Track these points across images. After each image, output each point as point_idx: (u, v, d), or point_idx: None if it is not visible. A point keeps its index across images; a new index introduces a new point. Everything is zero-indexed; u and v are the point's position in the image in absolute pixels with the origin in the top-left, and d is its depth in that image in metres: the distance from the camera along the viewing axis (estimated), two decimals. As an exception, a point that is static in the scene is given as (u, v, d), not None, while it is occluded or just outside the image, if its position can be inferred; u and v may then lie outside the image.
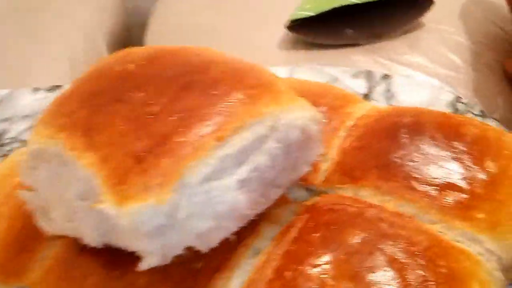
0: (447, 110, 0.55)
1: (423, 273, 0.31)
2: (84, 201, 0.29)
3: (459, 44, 0.99)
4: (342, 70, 0.64)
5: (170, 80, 0.30)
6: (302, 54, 0.98)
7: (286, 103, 0.33)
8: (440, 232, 0.34)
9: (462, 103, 0.56)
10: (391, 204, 0.36)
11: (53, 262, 0.36)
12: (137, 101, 0.29)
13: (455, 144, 0.38)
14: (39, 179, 0.32)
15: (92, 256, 0.34)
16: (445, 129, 0.40)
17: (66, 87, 0.63)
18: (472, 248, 0.34)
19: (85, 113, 0.29)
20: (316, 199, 0.37)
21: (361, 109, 0.45)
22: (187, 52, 0.32)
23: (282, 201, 0.37)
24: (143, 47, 0.36)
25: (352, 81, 0.64)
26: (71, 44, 1.06)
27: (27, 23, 1.10)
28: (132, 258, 0.32)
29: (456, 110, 0.55)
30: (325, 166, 0.41)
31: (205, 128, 0.29)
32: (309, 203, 0.37)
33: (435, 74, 0.87)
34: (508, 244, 0.35)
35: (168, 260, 0.29)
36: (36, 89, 0.70)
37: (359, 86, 0.60)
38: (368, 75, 0.64)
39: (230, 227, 0.30)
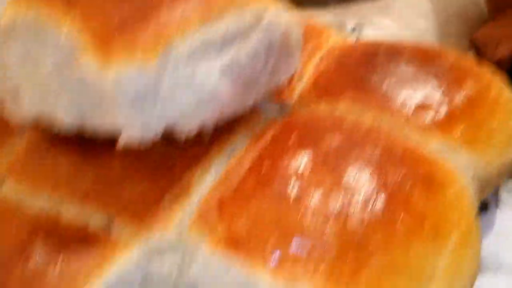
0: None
1: (401, 175, 0.31)
2: (61, 72, 0.27)
3: (428, 11, 1.00)
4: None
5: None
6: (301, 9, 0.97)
7: (272, 3, 0.32)
8: (418, 144, 0.34)
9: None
10: (368, 118, 0.36)
11: (20, 154, 0.34)
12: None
13: (433, 68, 0.39)
14: (10, 59, 0.30)
15: (64, 145, 0.33)
16: (422, 55, 0.40)
17: None
18: (450, 162, 0.34)
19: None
20: (291, 114, 0.37)
21: (338, 38, 0.45)
22: None
23: (255, 114, 0.37)
24: None
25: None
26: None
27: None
28: (105, 147, 0.31)
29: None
30: (300, 86, 0.40)
31: (191, 8, 0.27)
32: (283, 117, 0.37)
33: (403, 38, 0.88)
34: (486, 159, 0.35)
35: (146, 141, 0.28)
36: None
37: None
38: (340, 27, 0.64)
39: (209, 114, 0.29)
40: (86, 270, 0.28)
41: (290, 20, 0.33)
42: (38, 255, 0.27)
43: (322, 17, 0.94)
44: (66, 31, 0.25)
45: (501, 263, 0.38)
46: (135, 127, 0.27)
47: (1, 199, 0.33)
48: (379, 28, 0.94)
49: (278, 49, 0.32)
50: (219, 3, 0.29)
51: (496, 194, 0.44)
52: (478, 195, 0.35)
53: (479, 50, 0.95)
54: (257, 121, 0.37)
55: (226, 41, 0.29)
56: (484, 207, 0.42)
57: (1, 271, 0.27)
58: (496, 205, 0.43)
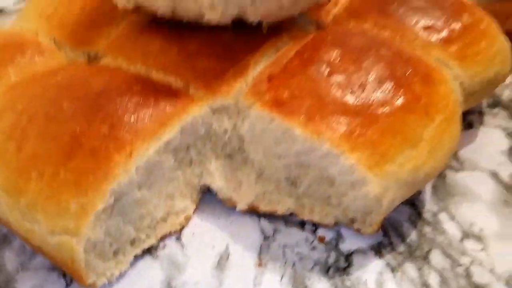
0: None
1: (406, 70, 0.40)
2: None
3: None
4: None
5: None
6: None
7: None
8: (422, 54, 0.43)
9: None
10: (386, 33, 0.45)
11: (120, 34, 0.43)
12: None
13: (439, 2, 0.47)
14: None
15: (156, 28, 0.42)
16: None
17: None
18: (444, 71, 0.43)
19: None
20: (332, 27, 0.46)
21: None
22: None
23: (297, 27, 0.46)
24: None
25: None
26: None
27: None
28: (189, 30, 0.41)
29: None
30: (335, 10, 0.49)
31: None
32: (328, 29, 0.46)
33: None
34: (471, 73, 0.44)
35: (226, 21, 0.37)
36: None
37: None
38: None
39: (271, 7, 0.38)
40: (170, 112, 0.38)
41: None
42: (139, 94, 0.37)
43: None
44: None
45: (477, 165, 0.47)
46: (217, 10, 0.36)
47: (103, 65, 0.43)
48: None
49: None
50: None
51: (480, 115, 0.53)
52: (463, 100, 0.44)
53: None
54: (300, 31, 0.46)
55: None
56: (469, 125, 0.52)
57: (109, 100, 0.36)
58: (480, 124, 0.52)
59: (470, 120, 0.52)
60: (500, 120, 0.52)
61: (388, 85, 0.38)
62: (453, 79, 0.43)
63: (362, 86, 0.38)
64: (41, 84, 0.36)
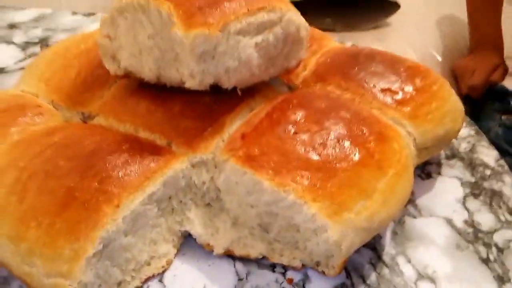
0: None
1: (363, 128, 0.45)
2: (152, 39, 0.42)
3: (416, 43, 1.15)
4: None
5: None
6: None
7: (290, 7, 0.47)
8: (379, 114, 0.49)
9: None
10: (347, 95, 0.51)
11: (111, 96, 0.49)
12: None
13: (396, 67, 0.53)
14: (117, 29, 0.45)
15: (143, 91, 0.47)
16: (390, 59, 0.55)
17: (99, 14, 0.77)
18: (398, 129, 0.49)
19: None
20: (300, 90, 0.52)
21: (334, 44, 0.60)
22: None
23: (271, 88, 0.52)
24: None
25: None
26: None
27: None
28: (172, 93, 0.46)
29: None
30: (304, 73, 0.55)
31: (242, 3, 0.42)
32: (296, 91, 0.51)
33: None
34: (422, 130, 0.49)
35: (204, 86, 0.42)
36: (74, 13, 0.82)
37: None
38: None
39: (244, 75, 0.44)
40: (154, 167, 0.42)
41: (302, 22, 0.48)
42: (126, 151, 0.42)
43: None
44: (164, 11, 0.40)
45: (433, 211, 0.52)
46: (196, 77, 0.42)
47: (96, 124, 0.48)
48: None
49: (291, 40, 0.47)
50: (258, 3, 0.43)
51: (438, 166, 0.58)
52: (417, 155, 0.50)
53: (456, 77, 1.10)
54: (272, 91, 0.51)
55: (260, 28, 0.44)
56: (428, 175, 0.57)
57: (100, 159, 0.41)
58: (438, 174, 0.57)
59: (429, 170, 0.57)
60: (456, 171, 0.57)
61: (346, 143, 0.43)
62: (406, 136, 0.48)
63: (323, 144, 0.43)
64: (40, 144, 0.41)
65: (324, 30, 1.12)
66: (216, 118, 0.46)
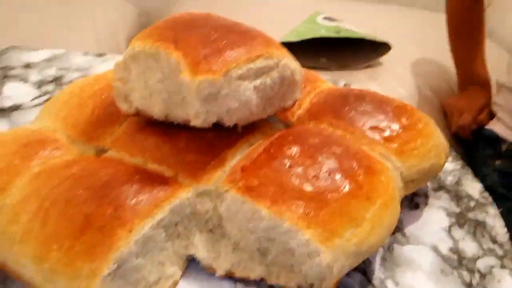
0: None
1: (353, 162, 0.50)
2: (162, 83, 0.47)
3: (406, 81, 1.21)
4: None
5: (220, 25, 0.49)
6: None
7: (286, 54, 0.52)
8: (367, 150, 0.53)
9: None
10: (338, 132, 0.55)
11: (122, 132, 0.53)
12: (202, 32, 0.48)
13: (384, 106, 0.58)
14: (130, 74, 0.50)
15: (152, 128, 0.52)
16: (378, 99, 0.60)
17: (109, 55, 0.83)
18: (386, 163, 0.53)
19: (171, 33, 0.48)
20: (296, 127, 0.56)
21: (327, 85, 0.65)
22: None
23: (269, 125, 0.56)
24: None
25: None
26: (98, 36, 1.25)
27: (66, 15, 1.28)
28: (178, 130, 0.51)
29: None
30: (299, 112, 0.60)
31: (242, 51, 0.47)
32: (292, 128, 0.56)
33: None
34: (408, 165, 0.54)
35: (207, 124, 0.47)
36: (86, 53, 0.87)
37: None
38: (334, 83, 0.83)
39: (244, 114, 0.48)
40: (162, 196, 0.47)
41: (297, 67, 0.53)
42: (137, 182, 0.46)
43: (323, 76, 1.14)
44: (173, 59, 0.45)
45: (420, 239, 0.56)
46: (200, 117, 0.46)
47: (109, 157, 0.52)
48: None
49: (287, 83, 0.52)
50: (257, 51, 0.48)
51: (426, 197, 0.62)
52: (403, 187, 0.54)
53: (446, 115, 1.14)
54: (270, 128, 0.56)
55: (258, 73, 0.49)
56: (416, 206, 0.61)
57: (114, 188, 0.45)
58: (425, 205, 0.61)
59: (417, 201, 0.62)
60: (442, 202, 0.62)
61: (337, 176, 0.48)
62: (393, 170, 0.53)
63: (316, 177, 0.47)
64: (59, 175, 0.46)
65: (319, 69, 1.18)
66: (218, 152, 0.50)
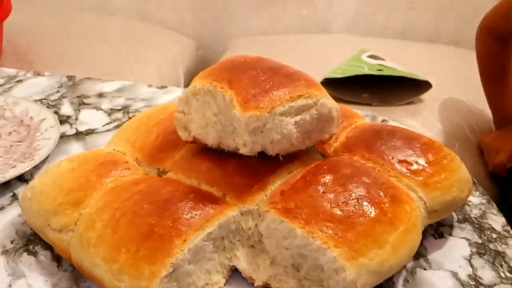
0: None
1: (380, 192, 0.55)
2: (217, 116, 0.55)
3: (445, 118, 1.24)
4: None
5: (268, 67, 0.57)
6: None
7: (324, 94, 0.59)
8: (395, 181, 0.59)
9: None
10: (369, 164, 0.61)
11: (181, 157, 0.61)
12: (253, 74, 0.55)
13: (413, 142, 0.64)
14: (190, 107, 0.58)
15: (206, 154, 0.60)
16: (409, 135, 0.65)
17: (170, 87, 0.92)
18: (411, 194, 0.58)
19: (227, 75, 0.55)
20: (330, 158, 0.63)
21: (363, 121, 0.71)
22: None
23: (308, 155, 0.63)
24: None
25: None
26: (161, 69, 1.35)
27: (132, 49, 1.40)
28: (228, 156, 0.58)
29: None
30: (335, 144, 0.66)
31: (285, 92, 0.54)
32: (327, 159, 0.62)
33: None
34: (432, 196, 0.59)
35: (253, 153, 0.54)
36: (150, 86, 0.97)
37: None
38: (372, 119, 0.89)
39: (285, 145, 0.55)
40: (212, 212, 0.54)
41: (334, 105, 0.59)
42: (192, 200, 0.53)
43: (366, 113, 1.19)
44: (227, 96, 0.53)
45: (442, 265, 0.61)
46: (248, 146, 0.54)
47: (169, 177, 0.60)
48: (407, 126, 1.18)
49: (325, 119, 0.59)
50: (299, 91, 0.55)
51: (451, 228, 0.66)
52: (427, 216, 0.59)
53: (483, 152, 1.16)
54: (308, 157, 0.62)
55: (299, 110, 0.55)
56: (440, 235, 0.66)
57: (173, 204, 0.53)
58: (449, 235, 0.65)
59: (442, 231, 0.66)
60: (466, 233, 0.65)
61: (364, 203, 0.53)
62: (417, 200, 0.58)
63: (346, 203, 0.53)
64: (129, 191, 0.54)
65: (362, 104, 1.24)
66: (261, 177, 0.57)
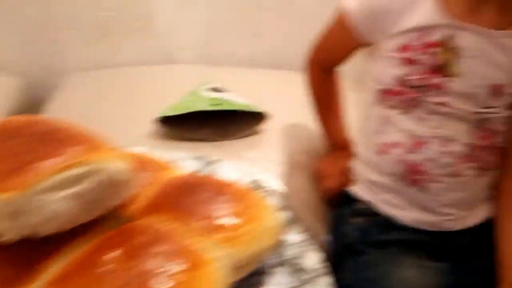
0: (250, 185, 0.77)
1: (177, 260, 0.50)
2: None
3: (283, 148, 1.24)
4: (186, 154, 0.85)
5: (38, 133, 0.50)
6: (169, 144, 1.20)
7: (110, 157, 0.53)
8: (194, 242, 0.55)
9: (259, 186, 0.78)
10: (171, 225, 0.56)
11: None
12: (13, 144, 0.48)
13: (221, 194, 0.60)
14: None
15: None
16: (218, 185, 0.62)
17: None
18: (215, 252, 0.54)
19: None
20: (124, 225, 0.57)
21: (171, 174, 0.67)
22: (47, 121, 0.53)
23: (97, 227, 0.56)
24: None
25: (190, 162, 0.84)
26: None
27: None
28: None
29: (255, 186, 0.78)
30: (135, 207, 0.60)
31: (53, 162, 0.48)
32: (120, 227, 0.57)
33: (264, 166, 1.08)
34: (237, 251, 0.56)
35: (16, 239, 0.47)
36: None
37: (193, 165, 0.81)
38: (201, 158, 0.85)
39: (56, 224, 0.48)
40: None
41: (120, 168, 0.53)
42: None
43: (206, 148, 1.16)
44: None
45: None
46: (8, 233, 0.46)
47: None
48: (248, 159, 1.17)
49: (110, 185, 0.53)
50: (71, 160, 0.49)
51: (264, 275, 0.63)
52: (236, 272, 0.55)
53: (316, 179, 1.17)
54: (99, 229, 0.56)
55: (74, 180, 0.49)
56: (253, 284, 0.62)
57: None
58: (263, 283, 0.62)
59: (255, 281, 0.62)
60: (281, 277, 0.63)
61: (160, 275, 0.48)
62: (222, 258, 0.54)
63: (138, 279, 0.48)
64: None
65: (202, 140, 1.21)
66: (33, 265, 0.50)
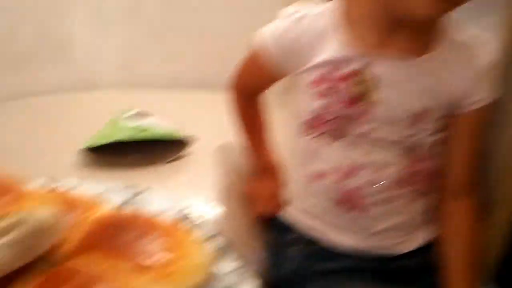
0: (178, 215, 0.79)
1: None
2: None
3: (211, 171, 1.26)
4: (114, 185, 0.85)
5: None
6: (98, 172, 1.20)
7: (36, 204, 0.55)
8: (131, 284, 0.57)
9: (187, 217, 0.80)
10: (101, 266, 0.58)
11: None
12: None
13: (152, 230, 0.63)
14: None
15: None
16: (149, 222, 0.64)
17: None
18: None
19: None
20: (54, 268, 0.58)
21: (99, 211, 0.69)
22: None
23: (33, 268, 0.58)
24: None
25: (118, 193, 0.85)
26: None
27: None
28: None
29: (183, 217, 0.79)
30: (65, 248, 0.61)
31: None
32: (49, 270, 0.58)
33: (194, 191, 1.09)
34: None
35: None
36: None
37: (121, 196, 0.82)
38: (129, 187, 0.86)
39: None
40: None
41: (46, 214, 0.55)
42: None
43: (137, 174, 1.16)
44: None
45: None
46: None
47: None
48: (174, 185, 1.18)
49: (40, 231, 0.54)
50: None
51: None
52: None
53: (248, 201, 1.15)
54: (33, 270, 0.57)
55: (4, 231, 0.50)
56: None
57: None
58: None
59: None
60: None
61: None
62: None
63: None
64: None
65: (129, 167, 1.21)
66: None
